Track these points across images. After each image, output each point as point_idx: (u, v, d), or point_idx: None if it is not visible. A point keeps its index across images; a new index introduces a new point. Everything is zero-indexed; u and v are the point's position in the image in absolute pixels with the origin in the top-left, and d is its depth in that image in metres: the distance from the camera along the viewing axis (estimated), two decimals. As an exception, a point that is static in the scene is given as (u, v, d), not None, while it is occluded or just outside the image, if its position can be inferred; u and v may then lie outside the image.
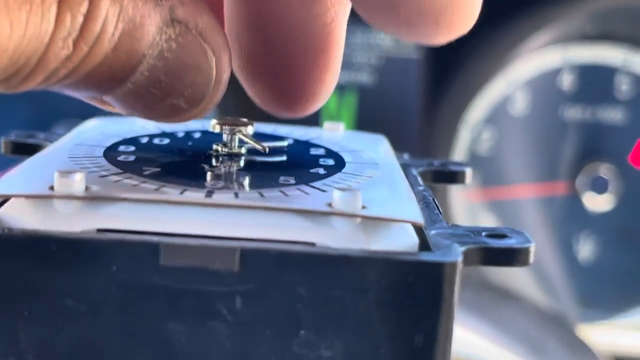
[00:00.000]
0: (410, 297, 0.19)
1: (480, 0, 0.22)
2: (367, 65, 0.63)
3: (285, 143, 0.27)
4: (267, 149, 0.25)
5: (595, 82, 0.65)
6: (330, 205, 0.20)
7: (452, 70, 0.62)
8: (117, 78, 0.20)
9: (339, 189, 0.20)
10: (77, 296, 0.19)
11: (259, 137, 0.26)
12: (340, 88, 0.64)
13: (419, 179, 0.26)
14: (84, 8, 0.19)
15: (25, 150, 0.28)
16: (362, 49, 0.63)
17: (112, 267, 0.18)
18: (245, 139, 0.25)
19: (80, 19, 0.19)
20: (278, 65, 0.24)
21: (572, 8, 0.61)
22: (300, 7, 0.24)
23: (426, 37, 0.22)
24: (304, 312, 0.19)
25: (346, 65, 0.63)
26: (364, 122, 0.64)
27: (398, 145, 0.66)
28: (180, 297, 0.19)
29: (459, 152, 0.64)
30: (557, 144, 0.65)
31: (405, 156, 0.29)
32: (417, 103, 0.63)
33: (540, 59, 0.64)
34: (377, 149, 0.27)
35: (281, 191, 0.21)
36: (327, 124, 0.30)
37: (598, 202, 0.65)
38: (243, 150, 0.25)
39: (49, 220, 0.19)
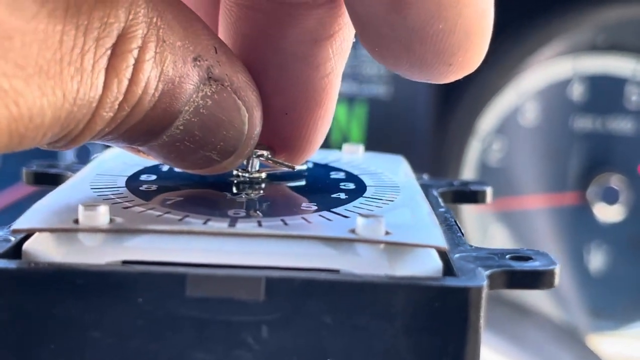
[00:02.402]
0: (436, 323, 0.19)
1: (488, 39, 0.22)
2: (377, 77, 0.63)
3: (304, 167, 0.27)
4: (295, 167, 0.25)
5: (605, 92, 0.65)
6: (353, 231, 0.20)
7: (462, 81, 0.62)
8: (154, 132, 0.21)
9: (362, 215, 0.20)
10: (104, 328, 0.19)
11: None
12: (350, 100, 0.64)
13: (440, 200, 0.26)
14: (128, 73, 0.19)
15: (47, 180, 0.28)
16: (372, 61, 0.63)
17: (138, 298, 0.19)
18: (269, 162, 0.25)
19: (125, 83, 0.19)
20: (274, 115, 0.24)
21: (582, 19, 0.62)
22: (304, 56, 0.24)
23: (437, 76, 0.22)
24: (330, 340, 0.19)
25: (356, 76, 0.64)
26: (374, 133, 0.64)
27: (408, 157, 0.66)
28: (207, 327, 0.19)
29: (470, 163, 0.64)
30: (567, 155, 0.65)
31: (425, 176, 0.29)
32: (428, 114, 0.63)
33: (550, 69, 0.64)
34: (397, 170, 0.27)
35: (304, 218, 0.21)
36: (346, 146, 0.29)
37: (609, 213, 0.65)
38: (263, 175, 0.25)
39: (74, 253, 0.19)
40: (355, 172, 0.26)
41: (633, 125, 0.65)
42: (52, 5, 0.18)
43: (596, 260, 0.65)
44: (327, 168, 0.27)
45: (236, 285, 0.19)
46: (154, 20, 0.19)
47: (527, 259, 0.21)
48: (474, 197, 0.29)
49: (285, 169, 0.25)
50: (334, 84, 0.25)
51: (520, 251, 0.21)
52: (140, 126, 0.20)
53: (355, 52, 0.63)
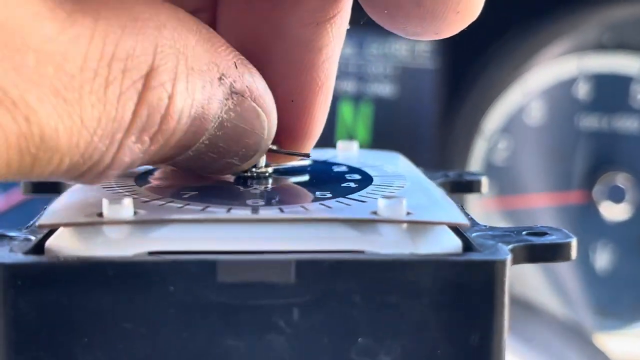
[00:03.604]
0: (463, 298, 0.19)
1: None
2: (383, 76, 0.64)
3: (307, 162, 0.27)
4: (309, 155, 0.25)
5: (610, 91, 0.65)
6: (375, 213, 0.20)
7: (468, 80, 0.63)
8: (181, 152, 0.21)
9: (384, 196, 0.20)
10: (136, 319, 0.19)
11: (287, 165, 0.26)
12: (356, 99, 0.64)
13: (442, 189, 0.26)
14: (162, 107, 0.19)
15: (45, 188, 0.28)
16: (378, 60, 0.63)
17: (170, 287, 0.19)
18: (281, 156, 0.25)
19: (157, 117, 0.19)
20: (281, 103, 0.24)
21: (587, 18, 0.62)
22: (306, 40, 0.24)
23: (446, 28, 0.22)
24: (361, 319, 0.19)
25: (362, 76, 0.64)
26: (380, 132, 0.64)
27: (414, 155, 0.66)
28: (238, 313, 0.19)
29: (475, 162, 0.64)
30: (573, 153, 0.65)
31: (420, 170, 0.29)
32: (433, 113, 0.63)
33: (556, 68, 0.64)
34: (396, 163, 0.28)
35: (322, 204, 0.21)
36: (340, 143, 0.30)
37: (615, 212, 0.65)
38: (270, 170, 0.25)
39: (100, 246, 0.19)
40: (357, 166, 0.26)
41: (639, 124, 0.65)
42: (76, 32, 0.18)
43: (602, 259, 0.65)
44: (328, 164, 0.27)
45: (267, 269, 0.19)
46: (181, 49, 0.20)
47: (543, 234, 0.21)
48: (470, 186, 0.29)
49: (290, 163, 0.26)
50: (333, 68, 0.25)
51: (534, 227, 0.22)
52: (171, 151, 0.21)
53: (361, 52, 0.63)
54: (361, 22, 0.25)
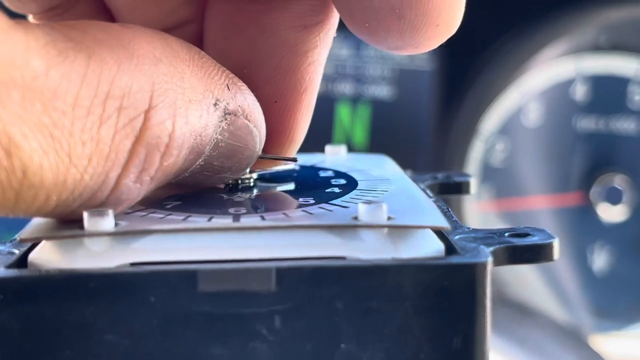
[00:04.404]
0: (445, 301, 0.19)
1: None
2: (381, 78, 0.64)
3: (291, 166, 0.27)
4: (297, 159, 0.25)
5: (608, 92, 0.65)
6: (356, 218, 0.20)
7: (465, 81, 0.63)
8: (177, 176, 0.21)
9: (363, 202, 0.20)
10: (118, 330, 0.19)
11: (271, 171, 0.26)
12: (354, 100, 0.64)
13: (428, 191, 0.26)
14: (162, 145, 0.19)
15: None
16: (376, 62, 0.63)
17: (151, 298, 0.19)
18: (269, 161, 0.25)
19: (157, 155, 0.19)
20: (264, 105, 0.24)
21: (584, 20, 0.62)
22: (293, 43, 0.25)
23: (426, 41, 0.23)
24: (343, 325, 0.19)
25: (360, 77, 0.64)
26: (378, 134, 0.64)
27: (412, 157, 0.66)
28: (221, 322, 0.19)
29: (473, 163, 0.64)
30: (570, 155, 0.65)
31: (409, 173, 0.29)
32: (431, 115, 0.63)
33: (553, 70, 0.64)
34: (383, 167, 0.28)
35: (304, 211, 0.21)
36: (328, 148, 0.30)
37: (612, 213, 0.65)
38: (255, 176, 0.25)
39: (81, 259, 0.19)
40: (343, 170, 0.27)
41: (636, 125, 0.65)
42: (67, 69, 0.18)
43: (600, 260, 0.65)
44: (314, 169, 0.27)
45: (247, 278, 0.19)
46: (178, 83, 0.20)
47: (525, 235, 0.21)
48: (458, 188, 0.29)
49: (275, 168, 0.26)
50: (318, 72, 0.25)
51: (517, 229, 0.22)
52: (167, 179, 0.21)
53: (359, 53, 0.63)
54: (334, 36, 0.25)
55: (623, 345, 0.64)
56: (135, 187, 0.19)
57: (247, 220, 0.20)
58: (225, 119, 0.21)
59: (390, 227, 0.20)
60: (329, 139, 0.64)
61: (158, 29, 0.24)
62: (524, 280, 0.64)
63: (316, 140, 0.69)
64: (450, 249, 0.20)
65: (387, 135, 0.64)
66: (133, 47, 0.19)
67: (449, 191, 0.29)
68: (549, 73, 0.64)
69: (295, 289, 0.19)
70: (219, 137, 0.21)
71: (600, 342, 0.61)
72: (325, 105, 0.64)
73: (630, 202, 0.65)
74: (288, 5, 0.24)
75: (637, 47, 0.64)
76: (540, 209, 0.65)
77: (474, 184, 0.29)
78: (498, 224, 0.65)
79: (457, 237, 0.21)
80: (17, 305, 0.18)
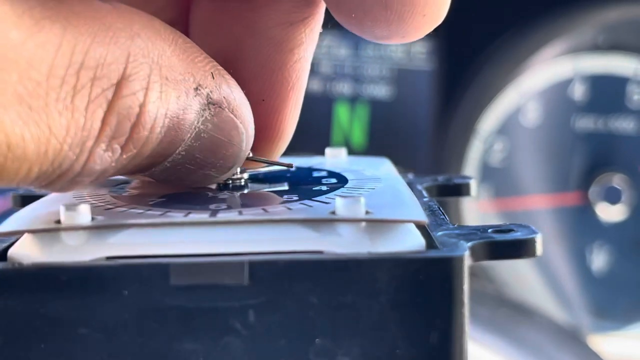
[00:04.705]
0: (421, 296, 0.19)
1: None
2: (379, 78, 0.64)
3: (284, 167, 0.27)
4: (293, 165, 0.25)
5: (606, 92, 0.65)
6: (333, 213, 0.20)
7: (463, 81, 0.63)
8: (157, 162, 0.21)
9: (341, 196, 0.20)
10: (92, 324, 0.19)
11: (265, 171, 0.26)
12: (352, 100, 0.64)
13: (424, 192, 0.26)
14: (133, 116, 0.19)
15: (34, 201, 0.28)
16: (374, 62, 0.63)
17: (124, 291, 0.19)
18: (262, 160, 0.25)
19: (128, 125, 0.19)
20: (251, 103, 0.24)
21: (582, 19, 0.62)
22: (279, 40, 0.24)
23: (413, 31, 0.22)
24: (318, 320, 0.19)
25: (358, 77, 0.64)
26: (376, 134, 0.64)
27: (410, 157, 0.66)
28: (194, 316, 0.19)
29: (471, 163, 0.64)
30: (569, 155, 0.65)
31: (410, 175, 0.29)
32: (429, 114, 0.63)
33: (551, 69, 0.64)
34: (380, 168, 0.27)
35: (285, 207, 0.21)
36: (328, 150, 0.30)
37: (611, 213, 0.65)
38: (245, 176, 0.25)
39: (58, 252, 0.19)
40: (337, 170, 0.26)
41: (635, 125, 0.65)
42: (43, 39, 0.18)
43: (599, 260, 0.65)
44: (309, 170, 0.27)
45: (220, 271, 0.19)
46: (155, 59, 0.20)
47: (509, 231, 0.21)
48: (458, 190, 0.29)
49: (267, 168, 0.26)
50: (305, 69, 0.25)
51: (503, 225, 0.21)
52: (146, 160, 0.21)
53: (357, 53, 0.63)
54: (328, 26, 0.25)
55: (622, 345, 0.64)
56: (107, 156, 0.19)
57: (224, 215, 0.20)
58: (209, 109, 0.21)
59: (366, 221, 0.20)
60: (327, 139, 0.64)
61: None
62: (523, 279, 0.64)
63: (314, 140, 0.69)
64: (431, 245, 0.20)
65: (385, 135, 0.64)
66: (110, 20, 0.19)
67: (449, 193, 0.29)
68: (548, 73, 0.64)
69: (269, 283, 0.19)
70: (201, 126, 0.21)
71: (599, 342, 0.61)
72: (324, 105, 0.64)
73: (629, 201, 0.65)
74: (272, 2, 0.24)
75: (635, 46, 0.64)
76: (539, 208, 0.65)
77: (474, 186, 0.29)
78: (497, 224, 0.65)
79: (440, 233, 0.21)
80: None
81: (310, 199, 0.22)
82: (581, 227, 0.65)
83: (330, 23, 0.24)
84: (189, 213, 0.20)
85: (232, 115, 0.22)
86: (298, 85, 0.25)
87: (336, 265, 0.19)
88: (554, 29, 0.62)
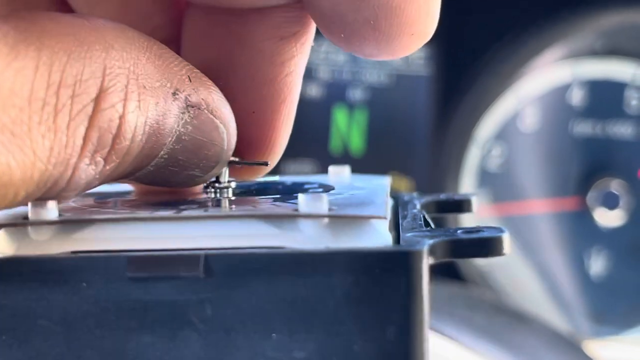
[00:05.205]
0: (378, 290, 0.19)
1: (440, 1, 0.23)
2: (377, 83, 0.64)
3: (276, 178, 0.27)
4: (268, 163, 0.25)
5: (604, 97, 0.65)
6: (296, 210, 0.20)
7: (461, 86, 0.63)
8: (139, 168, 0.21)
9: (303, 193, 0.20)
10: (51, 316, 0.19)
11: (258, 184, 0.26)
12: (351, 106, 0.64)
13: (417, 204, 0.26)
14: (113, 128, 0.19)
15: None
16: (372, 67, 0.63)
17: (82, 284, 0.19)
18: (241, 166, 0.25)
19: (109, 138, 0.19)
20: (241, 116, 0.24)
21: (580, 25, 0.62)
22: (269, 54, 0.25)
23: (401, 49, 0.23)
24: (274, 314, 0.19)
25: (356, 83, 0.64)
26: (374, 139, 0.64)
27: (408, 162, 0.66)
28: (151, 309, 0.19)
29: (469, 169, 0.64)
30: (567, 160, 0.65)
31: (415, 194, 0.29)
32: (427, 120, 0.63)
33: (549, 74, 0.64)
34: (373, 183, 0.27)
35: (253, 205, 0.21)
36: (332, 168, 0.29)
37: (609, 218, 0.65)
38: (233, 185, 0.25)
39: (24, 247, 0.20)
40: (329, 183, 0.26)
41: (633, 130, 0.65)
42: (20, 64, 0.18)
43: (597, 265, 0.65)
44: (303, 182, 0.27)
45: (175, 263, 0.19)
46: (131, 68, 0.20)
47: (477, 231, 0.21)
48: (460, 206, 0.29)
49: (261, 179, 0.26)
50: (296, 82, 0.25)
51: (473, 227, 0.21)
52: (129, 167, 0.21)
53: (355, 59, 0.63)
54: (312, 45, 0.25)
55: (620, 351, 0.64)
56: (91, 169, 0.19)
57: (188, 212, 0.20)
58: (188, 112, 0.21)
59: (327, 216, 0.20)
60: (326, 144, 0.64)
61: None
62: (521, 285, 0.64)
63: (313, 145, 0.69)
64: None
65: (384, 140, 0.64)
66: (83, 35, 0.19)
67: (450, 210, 0.29)
68: (546, 78, 0.64)
69: (225, 276, 0.19)
70: (182, 129, 0.21)
71: (597, 347, 0.61)
72: (322, 111, 0.64)
73: (627, 207, 0.65)
74: (263, 17, 0.24)
75: (633, 51, 0.64)
76: (537, 213, 0.65)
77: (475, 202, 0.29)
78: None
79: (409, 234, 0.21)
80: None
81: (284, 202, 0.22)
82: (579, 232, 0.65)
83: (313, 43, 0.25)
84: (156, 210, 0.21)
85: (211, 116, 0.22)
86: (290, 98, 0.25)
87: (291, 259, 0.19)
88: (552, 34, 0.62)
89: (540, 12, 0.62)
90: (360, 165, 0.61)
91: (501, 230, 0.20)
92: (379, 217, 0.20)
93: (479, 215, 0.65)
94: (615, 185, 0.64)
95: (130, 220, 0.20)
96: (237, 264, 0.19)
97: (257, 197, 0.24)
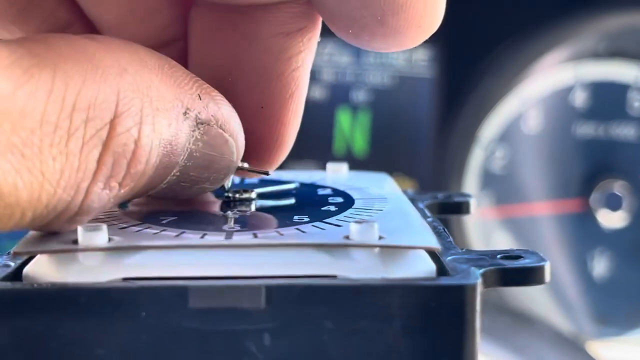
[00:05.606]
0: (433, 323, 0.19)
1: None
2: (381, 85, 0.64)
3: (292, 185, 0.27)
4: (269, 173, 0.25)
5: (607, 99, 0.65)
6: (347, 237, 0.20)
7: (465, 88, 0.63)
8: (152, 188, 0.21)
9: (355, 221, 0.20)
10: (109, 345, 0.19)
11: (265, 183, 0.26)
12: (354, 108, 0.64)
13: (426, 211, 0.27)
14: (128, 153, 0.19)
15: None
16: (376, 69, 0.64)
17: (141, 313, 0.19)
18: (245, 172, 0.25)
19: (124, 162, 0.19)
20: (249, 112, 0.24)
21: (583, 27, 0.62)
22: (276, 49, 0.25)
23: (409, 41, 0.23)
24: (332, 344, 0.19)
25: (360, 85, 0.64)
26: (378, 141, 0.64)
27: (412, 164, 0.66)
28: (210, 338, 0.19)
29: (473, 170, 0.64)
30: (570, 161, 0.65)
31: (410, 191, 0.29)
32: (431, 122, 0.63)
33: (552, 76, 0.64)
34: (382, 185, 0.28)
35: (298, 229, 0.21)
36: (329, 165, 0.30)
37: (612, 219, 0.65)
38: (253, 195, 0.25)
39: (74, 273, 0.19)
40: (342, 189, 0.27)
41: (636, 132, 0.65)
42: (33, 87, 0.18)
43: (600, 266, 0.65)
44: (314, 186, 0.27)
45: (238, 295, 0.19)
46: (145, 91, 0.20)
47: (517, 257, 0.21)
48: (458, 208, 0.29)
49: (274, 187, 0.26)
50: (304, 77, 0.25)
51: (510, 251, 0.22)
52: (143, 189, 0.21)
53: (359, 61, 0.64)
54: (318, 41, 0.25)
55: (623, 351, 0.64)
56: (105, 194, 0.19)
57: (239, 238, 0.21)
58: (198, 129, 0.21)
59: (381, 247, 0.20)
60: (329, 146, 0.64)
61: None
62: (524, 288, 0.64)
63: (317, 147, 0.69)
64: (442, 270, 0.21)
65: (387, 142, 0.64)
66: (98, 59, 0.19)
67: (448, 211, 0.29)
68: (549, 80, 0.64)
69: (285, 307, 0.19)
70: (193, 147, 0.21)
71: (600, 348, 0.62)
72: (326, 112, 0.64)
73: (630, 208, 0.65)
74: (269, 13, 0.24)
75: (636, 53, 0.64)
76: (540, 215, 0.65)
77: (473, 204, 0.29)
78: (498, 231, 0.65)
79: (449, 257, 0.21)
80: (8, 319, 0.19)
81: (321, 221, 0.22)
82: (582, 233, 0.65)
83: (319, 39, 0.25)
84: (205, 235, 0.21)
85: (220, 131, 0.22)
86: (297, 93, 0.25)
87: (350, 290, 0.19)
88: (555, 36, 0.62)
89: (543, 14, 0.62)
90: (364, 167, 0.61)
91: (542, 259, 0.21)
92: (434, 249, 0.21)
93: (482, 217, 0.65)
94: (618, 187, 0.64)
95: (182, 248, 0.20)
96: (297, 294, 0.19)
97: (279, 205, 0.24)
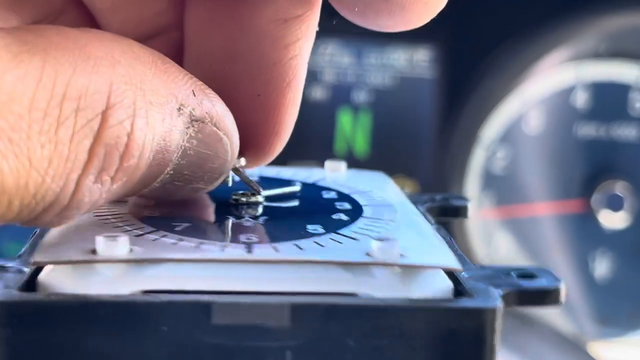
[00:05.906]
0: (455, 344, 0.19)
1: None
2: (382, 86, 0.64)
3: (296, 188, 0.27)
4: (260, 192, 0.25)
5: (609, 99, 0.65)
6: (369, 254, 0.20)
7: (466, 89, 0.63)
8: (145, 186, 0.21)
9: (377, 239, 0.20)
10: (128, 358, 0.19)
11: (264, 181, 0.26)
12: (355, 108, 0.64)
13: (429, 217, 0.27)
14: (121, 145, 0.19)
15: None
16: (377, 70, 0.64)
17: (163, 327, 0.18)
18: (240, 176, 0.25)
19: (116, 155, 0.19)
20: (246, 100, 0.24)
21: (585, 27, 0.62)
22: (274, 36, 0.25)
23: (416, 19, 0.23)
24: None
25: (361, 85, 0.64)
26: (379, 142, 0.64)
27: (413, 165, 0.66)
28: (232, 355, 0.19)
29: (474, 171, 0.64)
30: (571, 162, 0.65)
31: (405, 192, 0.29)
32: (432, 122, 0.63)
33: (554, 77, 0.64)
34: (383, 187, 0.28)
35: (316, 242, 0.21)
36: (328, 163, 0.30)
37: (614, 220, 0.65)
38: (260, 199, 0.25)
39: (94, 284, 0.19)
40: (346, 192, 0.27)
41: (637, 132, 0.65)
42: (22, 72, 0.18)
43: (601, 267, 0.65)
44: (317, 188, 0.27)
45: (262, 312, 0.19)
46: (138, 84, 0.19)
47: (532, 276, 0.21)
48: (456, 211, 0.29)
49: (279, 189, 0.26)
50: (301, 65, 0.25)
51: (524, 269, 0.22)
52: (136, 186, 0.21)
53: (359, 61, 0.64)
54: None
55: (624, 352, 0.64)
56: (96, 188, 0.19)
57: (260, 252, 0.20)
58: (192, 126, 0.21)
59: (402, 266, 0.20)
60: (330, 147, 0.64)
61: (141, 35, 0.24)
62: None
63: (318, 147, 0.69)
64: (458, 288, 0.21)
65: (388, 142, 0.64)
66: (90, 49, 0.19)
67: (446, 214, 0.29)
68: (550, 80, 0.64)
69: (309, 325, 0.19)
70: (187, 144, 0.21)
71: (602, 349, 0.61)
72: (327, 113, 0.64)
73: (632, 209, 0.65)
74: (266, 0, 0.24)
75: (637, 54, 0.64)
76: (542, 216, 0.65)
77: (471, 208, 0.29)
78: (499, 231, 0.65)
79: (465, 275, 0.21)
80: (26, 329, 0.18)
81: (335, 232, 0.22)
82: (584, 234, 0.65)
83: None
84: (225, 247, 0.21)
85: (215, 129, 0.22)
86: (295, 81, 0.25)
87: (374, 310, 0.19)
88: (556, 36, 0.62)
89: (544, 14, 0.62)
90: (365, 168, 0.61)
91: (557, 280, 0.21)
92: (455, 270, 0.21)
93: (484, 218, 0.65)
94: (620, 188, 0.64)
95: (203, 262, 0.20)
96: (321, 312, 0.19)
97: (294, 216, 0.24)
